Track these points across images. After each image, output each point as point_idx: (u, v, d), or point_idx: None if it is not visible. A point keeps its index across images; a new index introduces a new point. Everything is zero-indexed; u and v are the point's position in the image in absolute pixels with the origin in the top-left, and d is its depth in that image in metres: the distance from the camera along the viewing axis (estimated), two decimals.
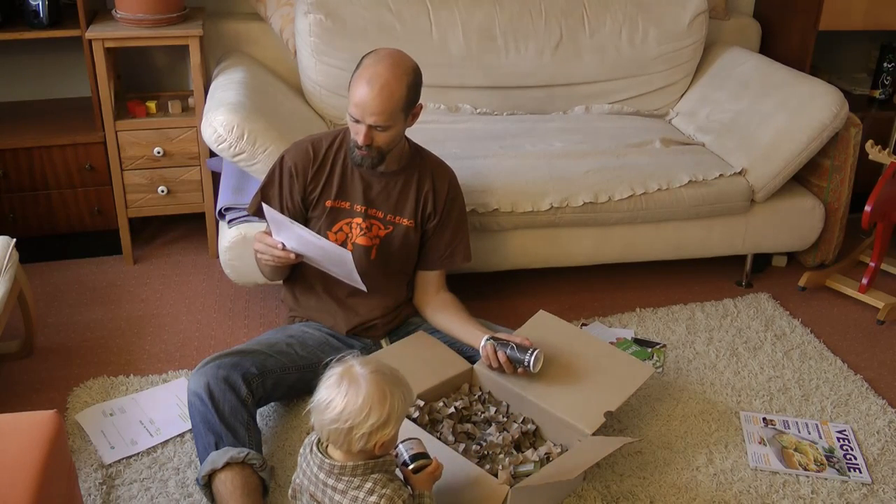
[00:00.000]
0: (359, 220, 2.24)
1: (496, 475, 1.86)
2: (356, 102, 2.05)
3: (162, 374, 2.43)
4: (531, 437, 2.13)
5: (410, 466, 1.72)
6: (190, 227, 3.27)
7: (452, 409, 2.10)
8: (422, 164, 2.30)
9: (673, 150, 2.98)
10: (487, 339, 2.14)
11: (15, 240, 2.33)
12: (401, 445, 1.76)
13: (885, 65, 3.57)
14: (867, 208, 2.75)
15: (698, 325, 2.77)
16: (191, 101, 2.98)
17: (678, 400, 2.40)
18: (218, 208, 2.59)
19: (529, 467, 1.96)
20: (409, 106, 2.11)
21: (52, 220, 2.97)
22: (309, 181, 2.22)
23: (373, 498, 1.58)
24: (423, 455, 1.75)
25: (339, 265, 2.11)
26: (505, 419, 2.13)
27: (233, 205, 2.56)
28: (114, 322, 2.69)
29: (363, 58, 2.11)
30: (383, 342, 2.35)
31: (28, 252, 2.82)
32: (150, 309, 2.77)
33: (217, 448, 1.90)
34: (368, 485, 1.59)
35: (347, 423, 1.54)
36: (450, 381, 2.19)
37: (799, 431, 2.29)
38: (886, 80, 3.59)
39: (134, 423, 2.23)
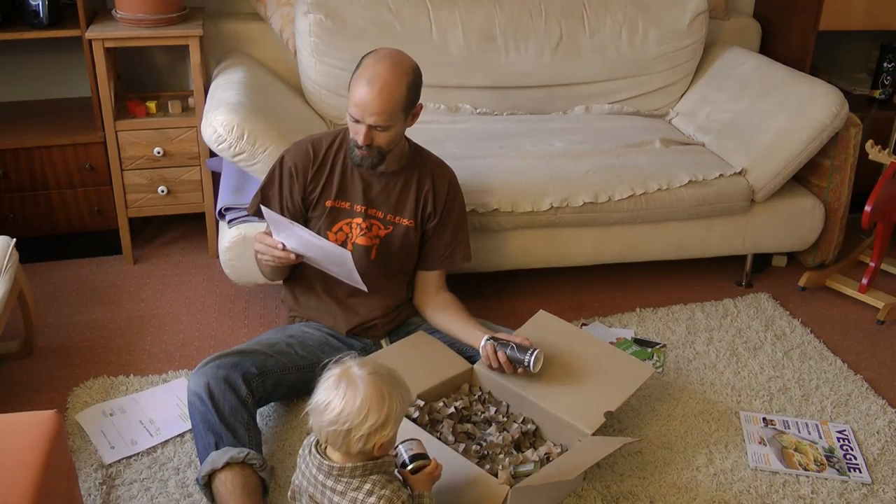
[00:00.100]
0: (359, 220, 2.24)
1: (496, 475, 1.87)
2: (356, 102, 2.05)
3: (162, 374, 2.43)
4: (531, 437, 2.13)
5: (409, 467, 1.72)
6: (190, 227, 3.27)
7: (452, 409, 2.10)
8: (422, 164, 2.30)
9: (673, 150, 2.98)
10: (487, 339, 2.14)
11: (15, 240, 2.34)
12: (400, 446, 1.76)
13: (885, 65, 3.57)
14: (867, 208, 2.75)
15: (698, 325, 2.77)
16: (191, 101, 2.99)
17: (678, 400, 2.40)
18: (218, 208, 2.59)
19: (529, 467, 1.96)
20: (409, 106, 2.11)
21: (52, 220, 2.97)
22: (309, 181, 2.22)
23: (372, 499, 1.58)
24: (422, 456, 1.75)
25: (339, 265, 2.11)
26: (505, 419, 2.13)
27: (233, 205, 2.56)
28: (114, 322, 2.69)
29: (363, 58, 2.11)
30: (383, 342, 2.35)
31: (28, 252, 2.82)
32: (150, 309, 2.77)
33: (217, 448, 1.90)
34: (367, 486, 1.59)
35: (346, 425, 1.54)
36: (450, 381, 2.19)
37: (799, 431, 2.29)
38: (886, 80, 3.59)
39: (134, 423, 2.23)
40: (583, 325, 2.75)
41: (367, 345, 2.33)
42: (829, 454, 2.21)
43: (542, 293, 2.94)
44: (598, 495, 2.03)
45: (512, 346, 2.10)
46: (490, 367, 2.15)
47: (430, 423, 2.06)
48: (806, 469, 2.16)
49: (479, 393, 2.21)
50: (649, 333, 2.72)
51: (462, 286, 2.50)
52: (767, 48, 3.54)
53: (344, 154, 2.23)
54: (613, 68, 3.25)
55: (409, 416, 2.00)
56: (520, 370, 2.11)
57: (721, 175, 2.81)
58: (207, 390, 1.96)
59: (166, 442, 2.17)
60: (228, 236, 2.51)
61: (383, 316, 2.33)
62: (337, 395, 1.56)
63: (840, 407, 2.41)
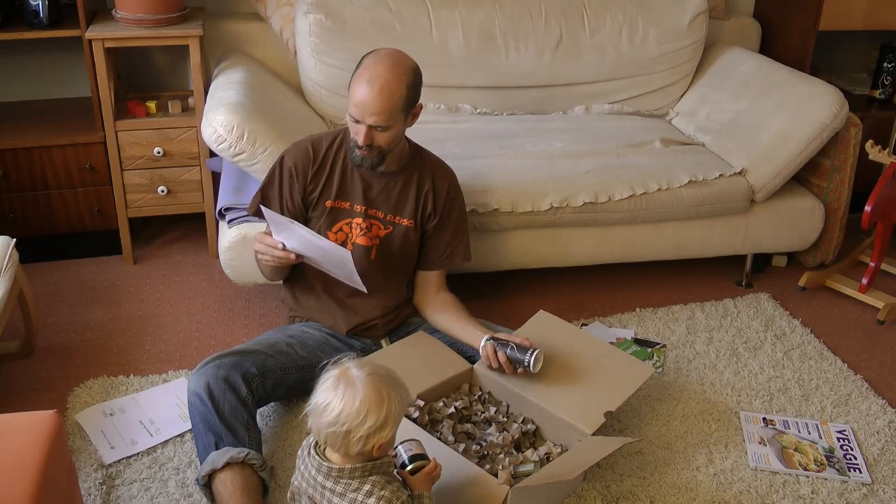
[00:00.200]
0: (359, 220, 2.24)
1: (496, 475, 1.86)
2: (356, 102, 2.05)
3: (162, 374, 2.43)
4: (531, 437, 2.13)
5: (408, 468, 1.72)
6: (190, 227, 3.27)
7: (452, 409, 2.10)
8: (422, 164, 2.30)
9: (673, 150, 2.98)
10: (487, 339, 2.14)
11: (15, 240, 2.34)
12: (399, 447, 1.76)
13: (885, 65, 3.57)
14: (867, 208, 2.75)
15: (698, 325, 2.77)
16: (191, 101, 2.99)
17: (678, 400, 2.40)
18: (218, 208, 2.59)
19: (529, 467, 1.96)
20: (409, 106, 2.11)
21: (52, 220, 2.97)
22: (309, 181, 2.22)
23: (371, 500, 1.58)
24: (421, 456, 1.74)
25: (339, 265, 2.11)
26: (505, 419, 2.13)
27: (233, 205, 2.56)
28: (114, 322, 2.69)
29: (363, 58, 2.11)
30: (383, 342, 2.35)
31: (28, 252, 2.82)
32: (150, 309, 2.77)
33: (217, 448, 1.90)
34: (367, 487, 1.59)
35: (345, 426, 1.54)
36: (450, 381, 2.19)
37: (799, 431, 2.29)
38: (886, 80, 3.59)
39: (134, 423, 2.23)
40: (583, 325, 2.75)
41: (367, 345, 2.33)
42: (829, 454, 2.21)
43: (542, 293, 2.94)
44: (598, 495, 2.03)
45: (512, 346, 2.10)
46: (490, 367, 2.15)
47: (430, 423, 2.06)
48: (806, 469, 2.16)
49: (479, 393, 2.21)
50: (649, 333, 2.72)
51: (462, 286, 2.50)
52: (767, 48, 3.54)
53: (344, 154, 2.23)
54: (613, 68, 3.25)
55: (409, 416, 2.00)
56: (520, 370, 2.11)
57: (721, 175, 2.81)
58: (207, 390, 1.96)
59: (166, 442, 2.17)
60: (228, 236, 2.51)
61: (383, 316, 2.33)
62: (336, 397, 1.55)
63: (840, 407, 2.41)
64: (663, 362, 2.57)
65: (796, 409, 2.39)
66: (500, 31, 3.14)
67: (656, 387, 2.45)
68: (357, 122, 2.07)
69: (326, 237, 2.16)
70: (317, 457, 1.62)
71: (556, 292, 2.96)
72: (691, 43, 3.29)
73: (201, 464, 1.91)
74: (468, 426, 2.08)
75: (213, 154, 2.89)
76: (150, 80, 3.25)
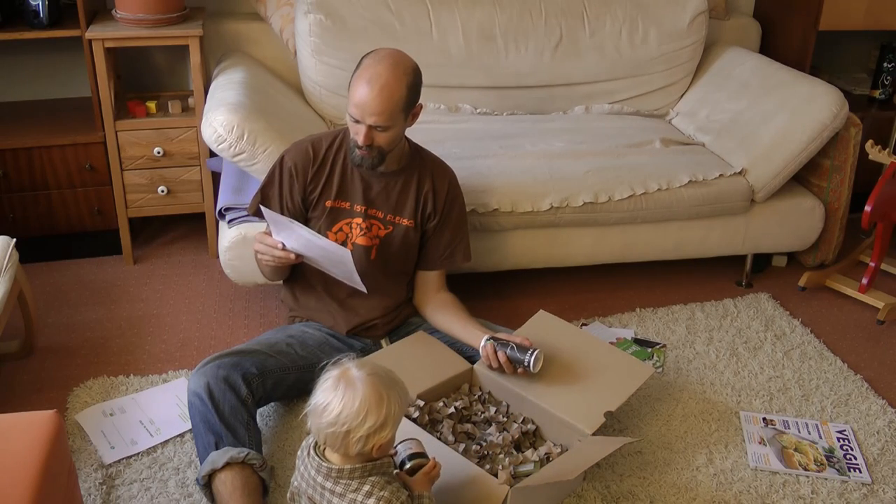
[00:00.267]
0: (359, 220, 2.24)
1: (496, 475, 1.86)
2: (356, 102, 2.05)
3: (162, 374, 2.43)
4: (531, 437, 2.13)
5: (407, 466, 1.72)
6: (190, 227, 3.27)
7: (452, 409, 2.10)
8: (422, 164, 2.30)
9: (673, 150, 2.98)
10: (487, 339, 2.14)
11: (15, 240, 2.34)
12: (399, 446, 1.76)
13: (885, 65, 3.57)
14: (867, 208, 2.75)
15: (698, 325, 2.77)
16: (191, 101, 2.99)
17: (678, 400, 2.40)
18: (218, 208, 2.59)
19: (529, 467, 1.96)
20: (409, 106, 2.11)
21: (52, 220, 2.97)
22: (309, 181, 2.22)
23: (371, 501, 1.58)
24: (420, 454, 1.75)
25: (339, 265, 2.11)
26: (505, 419, 2.13)
27: (233, 205, 2.56)
28: (114, 322, 2.69)
29: (363, 58, 2.11)
30: (383, 342, 2.35)
31: (28, 252, 2.82)
32: (150, 309, 2.77)
33: (217, 448, 1.90)
34: (366, 487, 1.59)
35: (344, 427, 1.54)
36: (450, 381, 2.19)
37: (799, 431, 2.29)
38: (886, 80, 3.59)
39: (134, 423, 2.23)
40: (583, 325, 2.75)
41: (367, 345, 2.33)
42: (829, 454, 2.21)
43: (542, 293, 2.94)
44: (598, 495, 2.03)
45: (512, 346, 2.10)
46: (490, 367, 2.15)
47: (430, 423, 2.06)
48: (806, 469, 2.16)
49: (479, 393, 2.21)
50: (649, 333, 2.72)
51: (462, 286, 2.50)
52: (767, 48, 3.54)
53: (344, 154, 2.23)
54: (613, 68, 3.25)
55: (409, 416, 2.00)
56: (520, 370, 2.11)
57: (721, 175, 2.81)
58: (207, 390, 1.96)
59: (166, 442, 2.17)
60: (228, 236, 2.51)
61: (383, 316, 2.33)
62: (335, 397, 1.55)
63: (840, 407, 2.41)
64: (663, 362, 2.57)
65: (796, 409, 2.39)
66: (499, 31, 3.14)
67: (656, 387, 2.45)
68: (357, 122, 2.07)
69: (326, 237, 2.16)
70: (316, 457, 1.62)
71: (556, 292, 2.96)
72: (691, 43, 3.29)
73: (201, 464, 1.91)
74: (468, 426, 2.08)
75: (213, 154, 2.89)
76: (150, 80, 3.25)
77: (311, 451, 1.64)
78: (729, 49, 3.36)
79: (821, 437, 2.27)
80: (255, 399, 2.05)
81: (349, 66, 2.26)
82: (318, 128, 2.94)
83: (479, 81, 3.16)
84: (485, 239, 2.69)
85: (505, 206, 2.64)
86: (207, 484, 1.89)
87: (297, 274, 2.33)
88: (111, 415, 2.26)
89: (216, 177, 2.95)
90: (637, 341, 2.66)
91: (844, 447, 2.24)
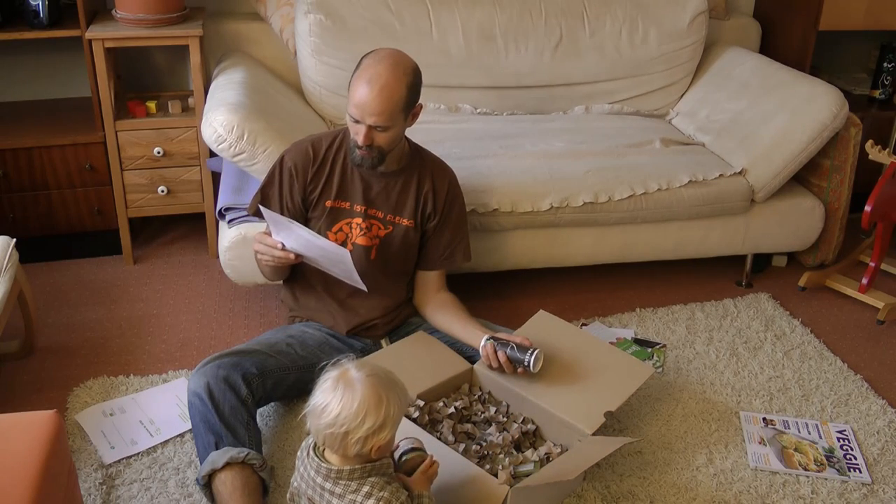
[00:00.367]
0: (359, 220, 2.24)
1: (496, 475, 1.86)
2: (356, 103, 2.05)
3: (162, 374, 2.43)
4: (531, 437, 2.13)
5: (402, 459, 1.72)
6: (190, 227, 3.27)
7: (452, 409, 2.10)
8: (421, 164, 2.30)
9: (673, 150, 2.98)
10: (487, 339, 2.14)
11: (15, 240, 2.34)
12: (401, 443, 1.76)
13: (885, 65, 3.57)
14: (867, 208, 2.75)
15: (698, 325, 2.77)
16: (191, 101, 2.99)
17: (678, 400, 2.40)
18: (218, 208, 2.59)
19: (529, 467, 1.96)
20: (408, 106, 2.11)
21: (52, 220, 2.97)
22: (309, 181, 2.22)
23: (370, 501, 1.58)
24: (418, 450, 1.75)
25: (338, 265, 2.11)
26: (505, 419, 2.13)
27: (233, 205, 2.56)
28: (114, 322, 2.69)
29: (363, 58, 2.11)
30: (383, 342, 2.35)
31: (28, 252, 2.82)
32: (150, 309, 2.77)
33: (217, 448, 1.90)
34: (366, 488, 1.59)
35: (343, 428, 1.54)
36: (450, 381, 2.19)
37: (799, 431, 2.29)
38: (886, 80, 3.59)
39: (134, 423, 2.23)
40: (583, 325, 2.75)
41: (367, 345, 2.33)
42: (829, 454, 2.21)
43: (542, 293, 2.94)
44: (598, 495, 2.03)
45: (512, 346, 2.10)
46: (490, 367, 2.15)
47: (430, 423, 2.06)
48: (806, 469, 2.16)
49: (479, 393, 2.21)
50: (649, 333, 2.72)
51: (462, 286, 2.50)
52: (767, 48, 3.54)
53: (344, 154, 2.23)
54: (613, 68, 3.25)
55: (409, 416, 2.00)
56: (520, 370, 2.11)
57: (721, 175, 2.81)
58: (207, 390, 1.96)
59: (166, 442, 2.17)
60: (228, 236, 2.51)
61: (383, 316, 2.33)
62: (334, 398, 1.55)
63: (840, 407, 2.41)
64: (663, 362, 2.57)
65: (796, 409, 2.39)
66: (499, 30, 3.14)
67: (656, 387, 2.45)
68: (357, 122, 2.07)
69: (326, 237, 2.16)
70: (316, 458, 1.62)
71: (556, 292, 2.96)
72: (691, 43, 3.29)
73: (201, 464, 1.91)
74: (468, 426, 2.08)
75: (213, 154, 2.89)
76: (150, 80, 3.25)
77: (311, 452, 1.64)
78: (729, 49, 3.36)
79: (821, 437, 2.27)
80: (255, 399, 2.05)
81: (349, 66, 2.26)
82: (318, 128, 2.94)
83: (479, 81, 3.16)
84: (485, 239, 2.69)
85: (505, 206, 2.64)
86: (207, 484, 1.89)
87: (297, 274, 2.33)
88: (111, 415, 2.26)
89: (216, 177, 2.95)
90: (637, 341, 2.66)
91: (844, 447, 2.24)
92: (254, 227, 2.47)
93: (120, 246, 3.03)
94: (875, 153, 2.86)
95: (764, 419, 2.33)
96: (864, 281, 2.94)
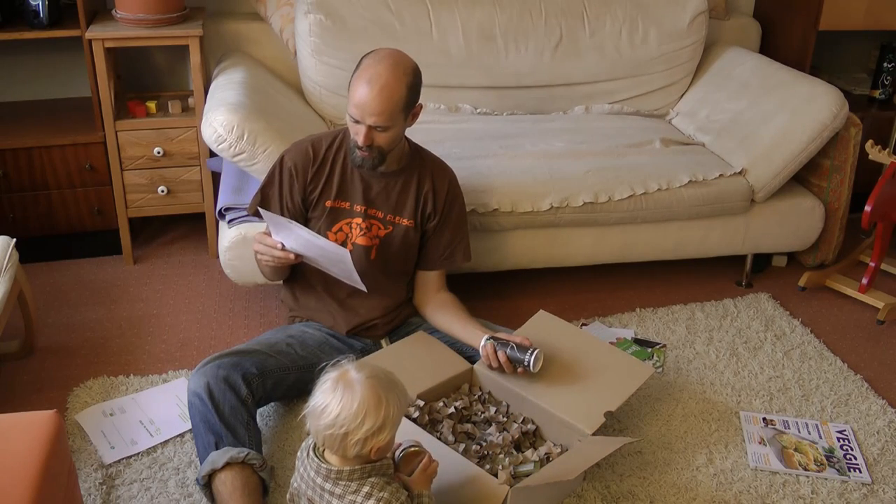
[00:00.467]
0: (358, 220, 2.24)
1: (496, 475, 1.86)
2: (356, 103, 2.05)
3: (162, 374, 2.43)
4: (531, 437, 2.13)
5: (398, 455, 1.72)
6: (190, 227, 3.27)
7: (452, 409, 2.10)
8: (421, 164, 2.30)
9: (673, 150, 2.98)
10: (487, 339, 2.14)
11: (15, 240, 2.34)
12: (401, 444, 1.76)
13: (885, 65, 3.57)
14: (867, 208, 2.75)
15: (698, 325, 2.77)
16: (191, 101, 2.99)
17: (678, 400, 2.40)
18: (218, 208, 2.59)
19: (529, 467, 1.96)
20: (408, 106, 2.11)
21: (52, 220, 2.97)
22: (309, 181, 2.22)
23: (370, 502, 1.58)
24: (413, 445, 1.75)
25: (338, 265, 2.11)
26: (505, 419, 2.13)
27: (233, 205, 2.56)
28: (114, 322, 2.69)
29: (363, 58, 2.11)
30: (383, 342, 2.35)
31: (28, 252, 2.82)
32: (150, 309, 2.77)
33: (217, 448, 1.90)
34: (366, 489, 1.59)
35: (342, 429, 1.54)
36: (450, 381, 2.19)
37: (799, 431, 2.29)
38: (886, 80, 3.59)
39: (134, 423, 2.23)
40: (583, 325, 2.75)
41: (367, 345, 2.33)
42: (829, 454, 2.21)
43: (542, 293, 2.94)
44: (598, 495, 2.03)
45: (512, 346, 2.10)
46: (490, 366, 2.15)
47: (430, 424, 2.06)
48: (806, 469, 2.16)
49: (479, 393, 2.21)
50: (649, 333, 2.72)
51: (462, 286, 2.50)
52: (767, 48, 3.54)
53: (344, 154, 2.23)
54: (613, 68, 3.25)
55: (409, 417, 2.00)
56: (520, 370, 2.11)
57: (721, 175, 2.81)
58: (207, 390, 1.96)
59: (166, 442, 2.17)
60: (228, 236, 2.51)
61: (383, 316, 2.33)
62: (334, 399, 1.55)
63: (840, 407, 2.41)
64: (663, 362, 2.57)
65: (796, 409, 2.39)
66: (499, 31, 3.14)
67: (656, 387, 2.45)
68: (357, 122, 2.07)
69: (326, 237, 2.16)
70: (315, 458, 1.62)
71: (556, 292, 2.96)
72: (691, 43, 3.29)
73: (201, 464, 1.91)
74: (468, 426, 2.08)
75: (213, 154, 2.89)
76: (150, 80, 3.25)
77: (311, 453, 1.64)
78: (729, 49, 3.36)
79: (821, 437, 2.27)
80: (255, 399, 2.05)
81: (349, 66, 2.26)
82: (318, 128, 2.94)
83: (479, 81, 3.16)
84: (485, 239, 2.69)
85: (505, 206, 2.64)
86: (207, 484, 1.89)
87: (297, 274, 2.33)
88: (111, 415, 2.26)
89: (216, 177, 2.95)
90: (637, 341, 2.66)
91: (844, 447, 2.24)
92: (254, 227, 2.47)
93: (120, 246, 3.03)
94: (875, 153, 2.86)
95: (764, 419, 2.33)
96: (864, 281, 2.94)
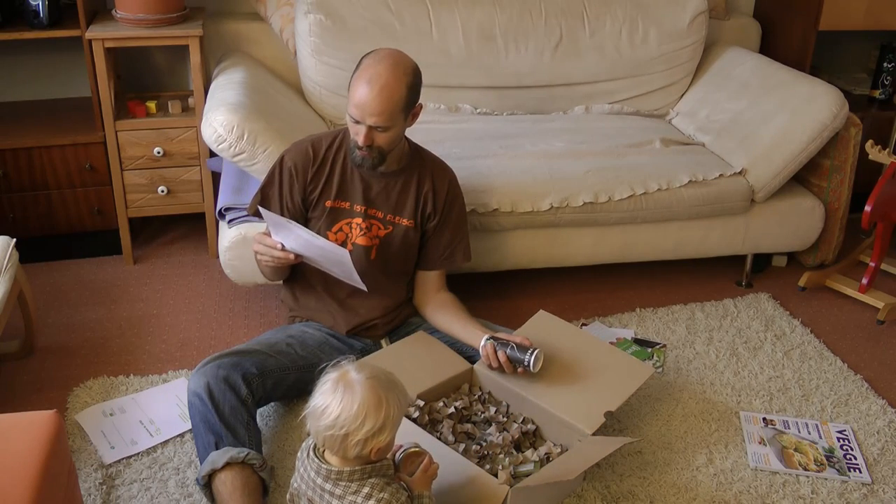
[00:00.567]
0: (358, 220, 2.24)
1: (496, 475, 1.87)
2: (356, 103, 2.05)
3: (162, 374, 2.43)
4: (531, 437, 2.13)
5: (399, 456, 1.72)
6: (190, 227, 3.27)
7: (452, 409, 2.10)
8: (421, 164, 2.30)
9: (673, 150, 2.98)
10: (487, 339, 2.14)
11: (15, 240, 2.34)
12: (402, 446, 1.76)
13: (885, 65, 3.57)
14: (867, 208, 2.75)
15: (698, 325, 2.77)
16: (191, 101, 2.99)
17: (678, 400, 2.40)
18: (218, 208, 2.60)
19: (529, 467, 1.96)
20: (408, 106, 2.11)
21: (52, 220, 2.97)
22: (309, 181, 2.22)
23: (370, 502, 1.58)
24: (413, 446, 1.75)
25: (338, 265, 2.11)
26: (505, 419, 2.13)
27: (233, 205, 2.56)
28: (114, 322, 2.69)
29: (363, 58, 2.11)
30: (383, 342, 2.34)
31: (28, 252, 2.82)
32: (150, 309, 2.77)
33: (217, 448, 1.90)
34: (366, 489, 1.59)
35: (343, 430, 1.54)
36: (450, 381, 2.19)
37: (799, 431, 2.29)
38: (886, 80, 3.59)
39: (134, 423, 2.23)
40: (583, 325, 2.75)
41: (367, 345, 2.33)
42: (829, 454, 2.21)
43: (542, 293, 2.94)
44: (598, 495, 2.03)
45: (512, 346, 2.10)
46: (490, 366, 2.15)
47: (430, 424, 2.06)
48: (806, 469, 2.16)
49: (479, 393, 2.21)
50: (649, 333, 2.72)
51: (462, 286, 2.50)
52: (767, 48, 3.54)
53: (344, 154, 2.23)
54: (613, 68, 3.25)
55: (409, 417, 2.00)
56: (520, 370, 2.11)
57: (721, 175, 2.81)
58: (207, 390, 1.96)
59: (166, 442, 2.17)
60: (228, 236, 2.51)
61: (383, 316, 2.33)
62: (334, 400, 1.55)
63: (840, 407, 2.41)
64: (663, 362, 2.57)
65: (796, 409, 2.39)
66: (499, 31, 3.14)
67: (656, 387, 2.45)
68: (357, 122, 2.07)
69: (326, 237, 2.16)
70: (316, 459, 1.62)
71: (556, 292, 2.96)
72: (691, 43, 3.29)
73: (201, 464, 1.91)
74: (468, 426, 2.08)
75: (213, 154, 2.89)
76: (150, 80, 3.25)
77: (311, 453, 1.64)
78: (729, 49, 3.36)
79: (821, 437, 2.27)
80: (255, 399, 2.05)
81: (349, 66, 2.26)
82: (318, 128, 2.94)
83: (479, 81, 3.17)
84: (485, 239, 2.69)
85: (505, 206, 2.64)
86: (207, 484, 1.89)
87: (297, 274, 2.33)
88: (111, 415, 2.26)
89: (216, 177, 2.95)
90: (637, 341, 2.66)
91: (844, 447, 2.24)
92: (254, 227, 2.47)
93: (120, 246, 3.03)
94: (875, 153, 2.86)
95: (764, 419, 2.33)
96: (864, 281, 2.94)
